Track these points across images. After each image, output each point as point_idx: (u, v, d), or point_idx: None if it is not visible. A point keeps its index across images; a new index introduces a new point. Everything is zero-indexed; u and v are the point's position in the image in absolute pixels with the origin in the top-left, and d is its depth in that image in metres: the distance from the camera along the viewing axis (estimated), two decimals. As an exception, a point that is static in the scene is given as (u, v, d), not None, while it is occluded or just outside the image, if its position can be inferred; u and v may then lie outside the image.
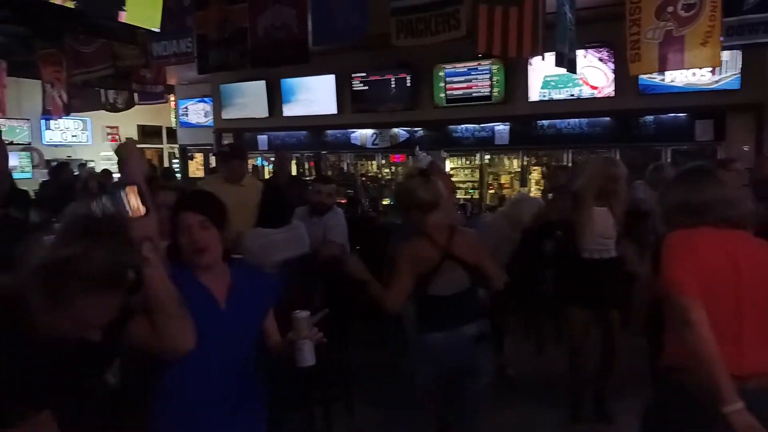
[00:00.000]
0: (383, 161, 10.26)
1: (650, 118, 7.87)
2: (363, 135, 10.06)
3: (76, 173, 9.43)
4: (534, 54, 4.78)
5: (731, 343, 1.77)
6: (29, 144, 12.19)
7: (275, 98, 10.54)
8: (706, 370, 1.71)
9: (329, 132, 10.41)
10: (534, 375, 4.55)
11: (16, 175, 6.73)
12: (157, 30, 5.41)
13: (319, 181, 4.39)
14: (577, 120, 8.33)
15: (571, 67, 5.48)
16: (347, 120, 9.94)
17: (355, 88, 9.70)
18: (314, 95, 10.11)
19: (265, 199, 3.69)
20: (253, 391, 1.99)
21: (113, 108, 9.13)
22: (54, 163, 11.40)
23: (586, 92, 7.98)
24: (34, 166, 12.08)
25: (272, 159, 10.27)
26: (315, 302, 3.37)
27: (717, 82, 7.22)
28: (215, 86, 11.21)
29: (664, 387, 1.99)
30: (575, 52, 5.45)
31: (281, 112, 10.48)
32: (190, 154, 13.08)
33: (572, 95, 8.09)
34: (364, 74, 9.61)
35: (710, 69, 6.93)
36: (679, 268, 1.84)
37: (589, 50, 7.75)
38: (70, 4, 4.50)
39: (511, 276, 3.55)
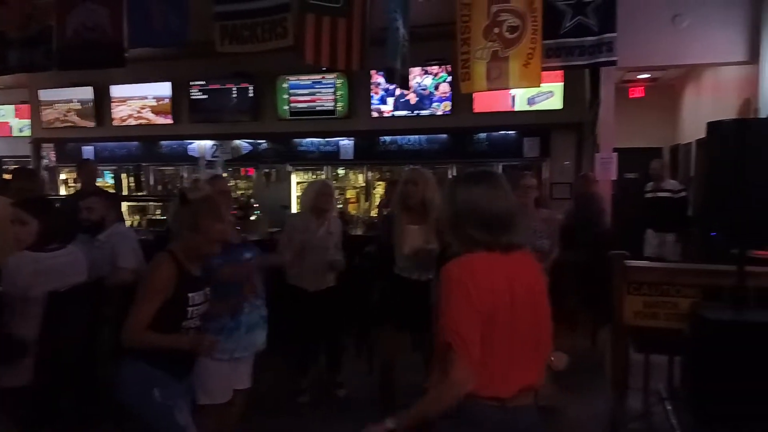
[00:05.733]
0: (225, 174, 9.74)
1: (483, 135, 8.23)
2: (201, 146, 9.49)
3: None
4: (363, 67, 4.71)
5: (503, 365, 1.72)
6: None
7: (104, 106, 9.66)
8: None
9: (164, 143, 9.70)
10: (365, 393, 4.40)
11: None
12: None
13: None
14: (416, 136, 8.49)
15: (404, 84, 5.50)
16: (184, 130, 9.34)
17: (193, 97, 9.14)
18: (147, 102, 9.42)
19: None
20: None
21: None
22: None
23: (426, 109, 8.17)
24: None
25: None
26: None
27: (542, 102, 7.72)
28: (33, 91, 10.02)
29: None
30: (408, 69, 5.48)
31: (111, 120, 9.62)
32: (5, 167, 11.53)
33: (412, 112, 8.23)
34: (203, 83, 9.09)
35: (536, 90, 7.37)
36: (462, 317, 1.68)
37: (427, 68, 7.95)
38: None
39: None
